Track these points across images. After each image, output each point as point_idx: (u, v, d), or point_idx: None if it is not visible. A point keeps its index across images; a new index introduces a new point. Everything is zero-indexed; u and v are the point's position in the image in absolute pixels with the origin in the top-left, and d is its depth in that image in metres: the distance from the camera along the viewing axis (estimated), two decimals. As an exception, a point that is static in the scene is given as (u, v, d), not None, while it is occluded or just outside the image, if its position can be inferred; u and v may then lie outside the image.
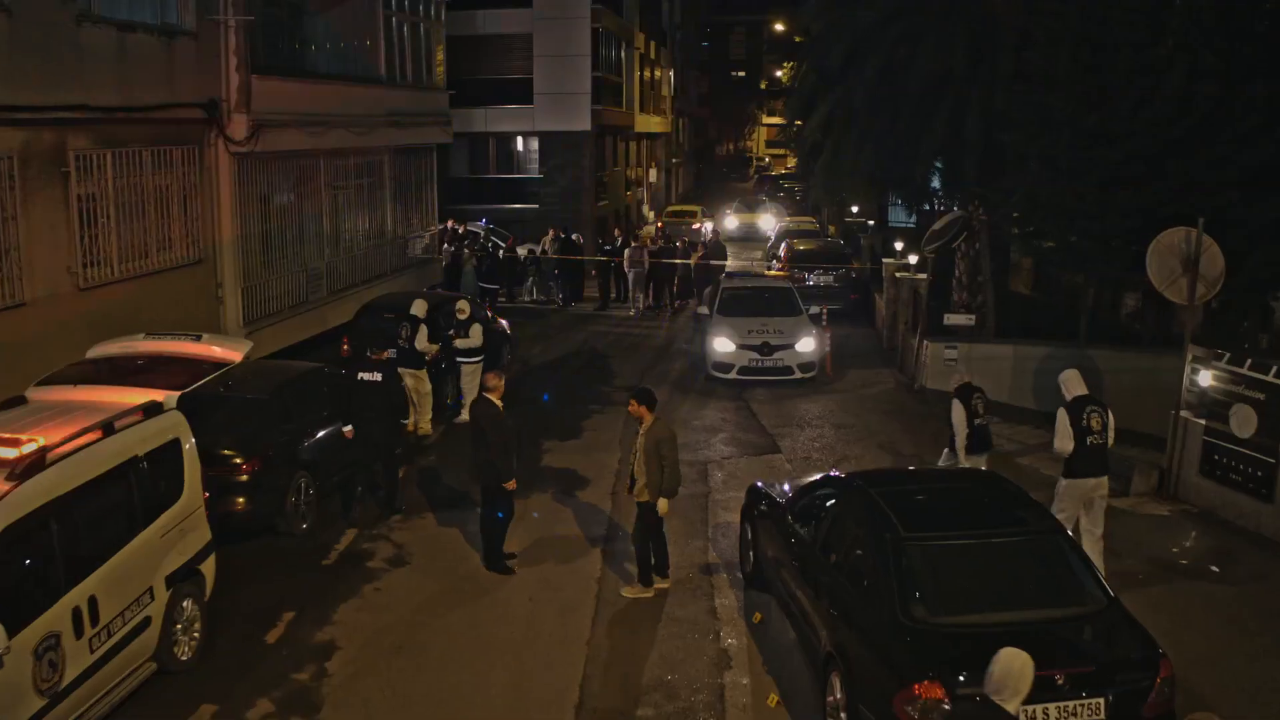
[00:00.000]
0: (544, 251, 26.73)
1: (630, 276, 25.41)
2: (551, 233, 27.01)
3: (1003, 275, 21.69)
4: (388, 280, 21.56)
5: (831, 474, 8.91)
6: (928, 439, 15.48)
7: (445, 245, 25.28)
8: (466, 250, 24.21)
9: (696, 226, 38.27)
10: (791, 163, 75.36)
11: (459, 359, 15.71)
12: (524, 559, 10.68)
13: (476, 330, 15.49)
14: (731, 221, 41.87)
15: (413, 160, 23.03)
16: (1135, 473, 12.98)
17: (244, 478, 10.60)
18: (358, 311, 16.86)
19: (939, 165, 19.53)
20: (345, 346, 16.30)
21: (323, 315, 18.61)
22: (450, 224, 28.24)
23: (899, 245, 21.06)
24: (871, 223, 25.87)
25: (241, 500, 10.61)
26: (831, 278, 23.68)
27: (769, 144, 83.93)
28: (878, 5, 20.15)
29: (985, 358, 17.56)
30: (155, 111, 14.12)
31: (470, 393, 15.89)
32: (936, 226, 16.99)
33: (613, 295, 26.40)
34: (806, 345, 17.75)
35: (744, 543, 10.05)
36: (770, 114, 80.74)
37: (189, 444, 8.66)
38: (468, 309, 15.73)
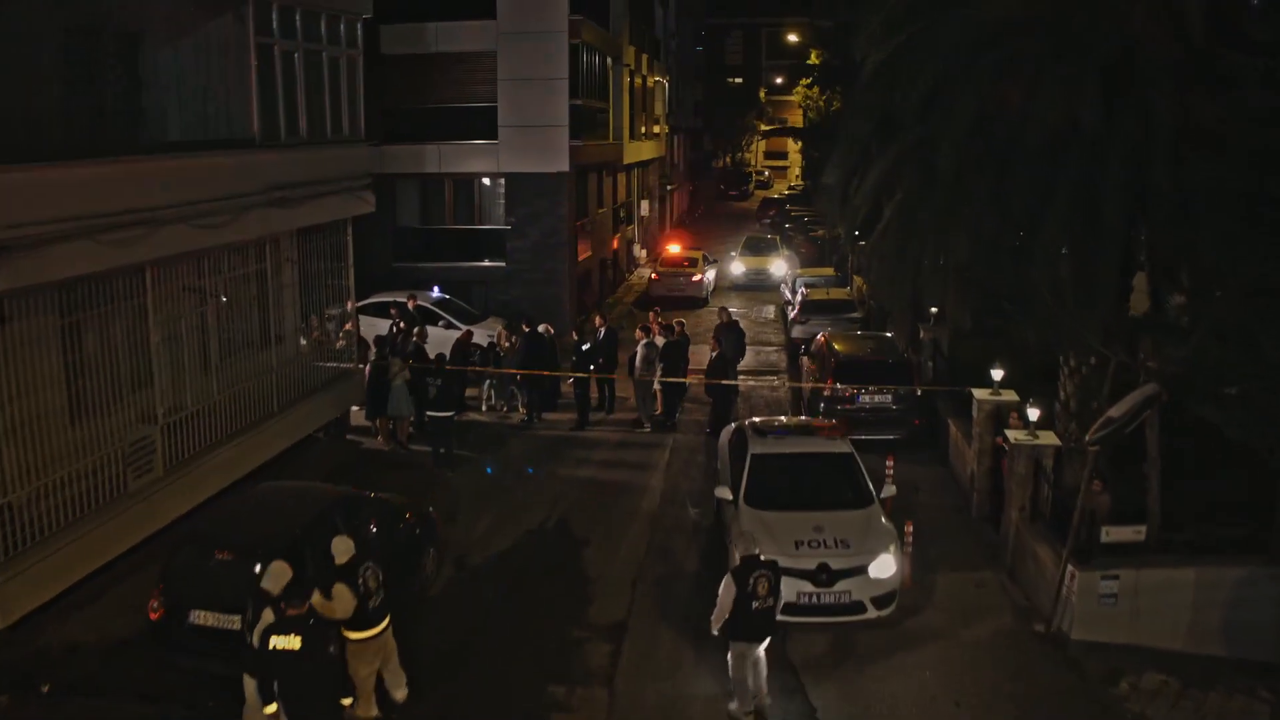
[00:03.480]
0: (511, 345, 20.42)
1: (636, 370, 19.21)
2: (507, 324, 20.84)
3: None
4: (277, 421, 15.35)
5: None
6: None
7: (369, 349, 19.09)
8: (395, 359, 17.95)
9: (697, 279, 32.20)
10: (795, 175, 69.15)
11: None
12: None
13: (342, 596, 9.32)
14: (737, 267, 35.70)
15: (318, 241, 16.82)
16: None
17: None
18: (175, 545, 10.60)
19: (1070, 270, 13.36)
20: (156, 608, 10.07)
21: (154, 508, 12.39)
22: (409, 302, 22.08)
23: (998, 373, 14.91)
24: (935, 310, 19.68)
25: None
26: (889, 397, 17.51)
27: (768, 155, 77.81)
28: (971, 23, 14.13)
29: (1159, 588, 11.48)
30: None
31: (364, 685, 9.74)
32: (1113, 412, 10.86)
33: (593, 401, 20.18)
34: (884, 567, 11.57)
35: None
36: (769, 123, 74.60)
37: None
38: (345, 554, 9.55)
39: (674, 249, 34.59)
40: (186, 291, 13.95)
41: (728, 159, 72.06)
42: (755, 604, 9.59)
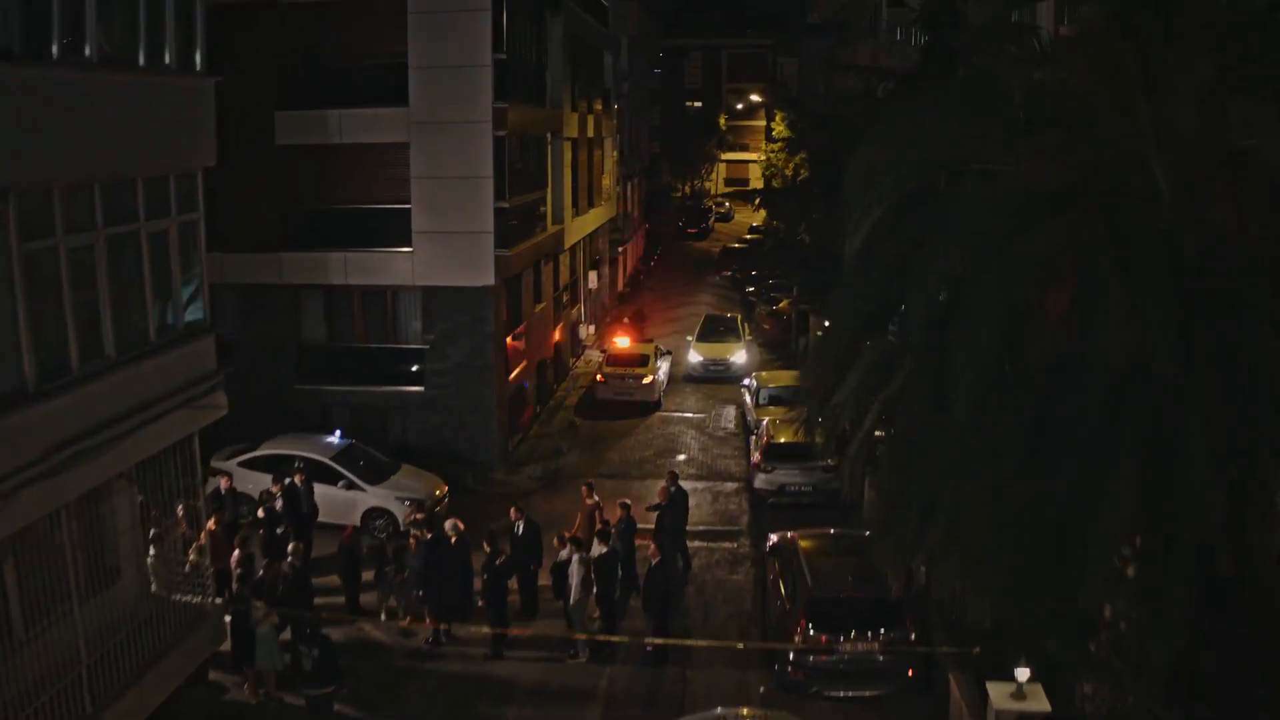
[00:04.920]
0: (411, 540, 16.75)
1: (572, 596, 15.68)
2: (411, 516, 17.23)
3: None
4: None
5: None
6: None
7: (231, 581, 15.44)
8: (258, 603, 14.27)
9: (648, 380, 28.66)
10: (757, 204, 65.48)
11: None
12: None
13: None
14: (694, 356, 32.07)
15: (150, 472, 13.10)
16: None
17: None
18: None
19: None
20: None
21: None
22: (297, 476, 18.53)
23: (1023, 672, 11.51)
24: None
25: None
26: (875, 643, 14.07)
27: (729, 181, 74.27)
28: (1000, 197, 10.84)
29: None
30: None
31: None
32: None
33: (514, 607, 16.60)
34: None
35: None
36: (730, 150, 71.25)
37: None
38: None
39: (622, 343, 30.91)
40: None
41: (687, 188, 68.42)
42: None
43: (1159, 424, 9.64)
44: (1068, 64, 11.85)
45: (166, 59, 12.66)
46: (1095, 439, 9.71)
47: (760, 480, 21.28)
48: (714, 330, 33.15)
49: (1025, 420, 10.18)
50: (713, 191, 71.63)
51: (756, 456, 21.95)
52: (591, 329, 35.80)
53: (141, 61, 12.27)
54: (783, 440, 21.58)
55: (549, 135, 27.77)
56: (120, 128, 11.79)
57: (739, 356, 31.64)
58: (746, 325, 34.39)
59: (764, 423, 22.86)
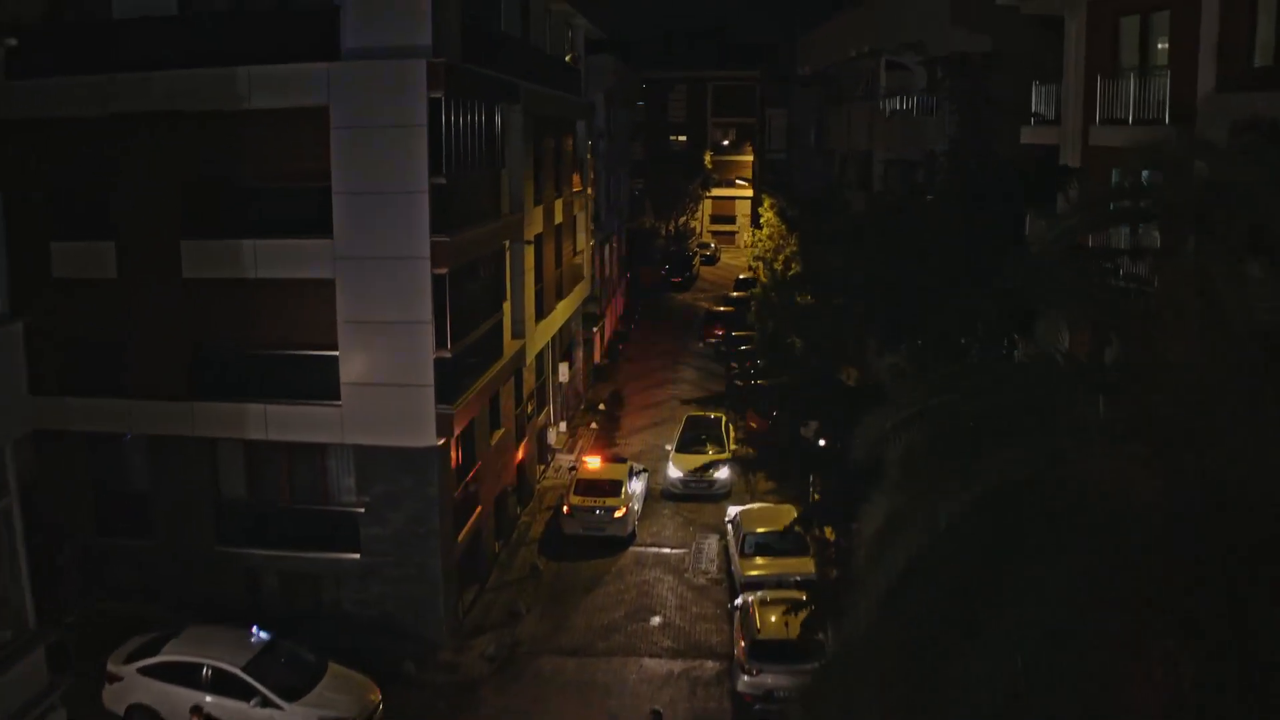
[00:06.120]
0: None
1: None
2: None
3: None
4: None
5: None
6: None
7: None
8: None
9: (621, 514, 25.64)
10: (745, 241, 62.46)
11: None
12: None
13: None
14: (673, 470, 28.98)
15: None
16: None
17: None
18: None
19: None
20: None
21: None
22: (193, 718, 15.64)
23: None
24: None
25: None
26: None
27: (714, 218, 71.15)
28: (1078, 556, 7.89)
29: None
30: None
31: None
32: None
33: None
34: None
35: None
36: (716, 186, 68.17)
37: None
38: None
39: (591, 464, 27.78)
40: None
41: (670, 227, 65.25)
42: None
43: None
44: (1164, 325, 8.89)
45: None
46: None
47: (744, 683, 18.22)
48: (695, 439, 30.00)
49: None
50: (698, 230, 68.46)
51: (740, 650, 18.89)
52: (563, 426, 32.74)
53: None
54: (771, 633, 18.55)
55: (507, 243, 24.68)
56: None
57: (723, 471, 28.56)
58: (732, 428, 31.26)
59: (749, 603, 19.79)
